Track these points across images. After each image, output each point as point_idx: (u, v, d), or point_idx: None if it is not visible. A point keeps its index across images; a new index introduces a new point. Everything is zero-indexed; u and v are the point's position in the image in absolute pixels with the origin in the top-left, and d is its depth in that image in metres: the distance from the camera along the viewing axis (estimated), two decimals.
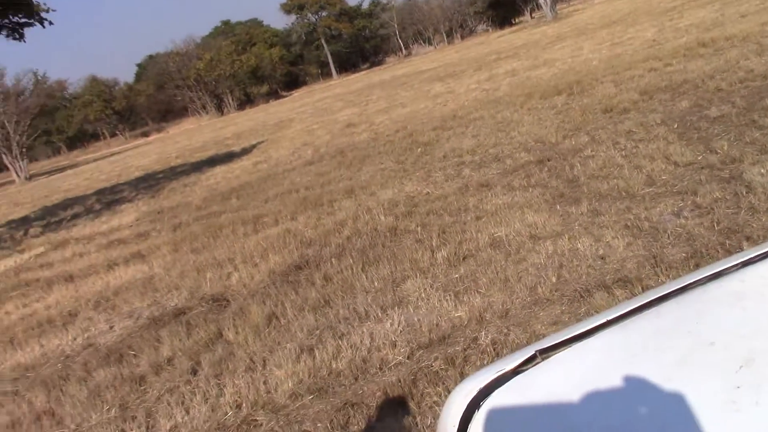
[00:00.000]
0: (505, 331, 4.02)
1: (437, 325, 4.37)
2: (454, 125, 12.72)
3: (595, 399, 0.98)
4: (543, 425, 0.99)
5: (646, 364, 1.01)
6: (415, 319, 4.55)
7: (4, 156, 55.40)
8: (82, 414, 4.50)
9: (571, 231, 5.34)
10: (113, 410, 4.44)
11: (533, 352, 1.12)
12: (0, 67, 75.64)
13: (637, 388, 0.97)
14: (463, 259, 5.44)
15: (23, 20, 14.51)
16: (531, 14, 78.54)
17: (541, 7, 59.58)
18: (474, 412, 1.05)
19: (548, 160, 7.84)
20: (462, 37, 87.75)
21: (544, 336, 3.79)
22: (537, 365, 1.10)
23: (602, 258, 4.64)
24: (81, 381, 5.11)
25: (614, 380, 0.99)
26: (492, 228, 5.94)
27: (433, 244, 5.95)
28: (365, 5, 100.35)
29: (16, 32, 14.65)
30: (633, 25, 22.95)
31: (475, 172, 8.40)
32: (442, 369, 3.80)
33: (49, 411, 4.73)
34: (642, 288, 4.00)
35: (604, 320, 1.16)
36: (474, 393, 1.08)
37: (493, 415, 1.03)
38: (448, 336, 4.18)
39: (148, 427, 4.11)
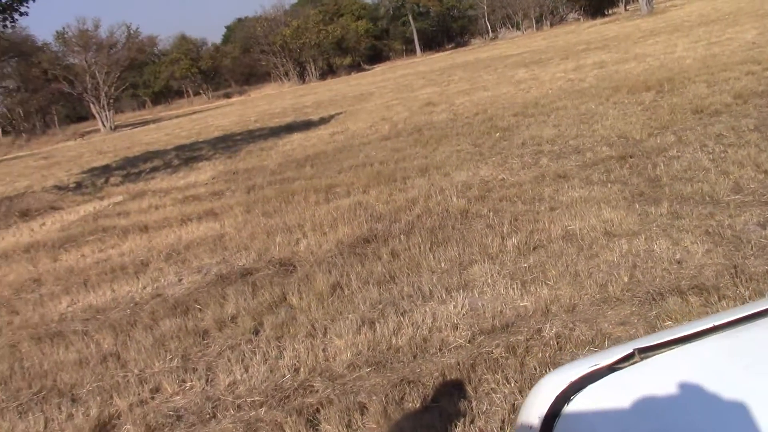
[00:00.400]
0: (571, 325, 3.94)
1: (501, 312, 4.32)
2: (536, 113, 12.50)
3: (696, 407, 0.92)
4: (637, 427, 0.94)
5: (759, 377, 0.95)
6: (479, 304, 4.51)
7: (92, 105, 57.35)
8: (146, 360, 4.63)
9: (648, 231, 5.19)
10: (176, 360, 4.55)
11: (631, 350, 1.06)
12: (95, 19, 78.03)
13: (745, 401, 0.90)
14: (534, 248, 5.36)
15: None
16: (625, 6, 76.40)
17: None
18: (563, 406, 1.01)
19: (630, 157, 7.63)
20: (551, 25, 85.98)
21: (612, 338, 3.71)
22: (635, 364, 1.05)
23: (679, 262, 4.50)
24: (147, 328, 5.26)
25: (719, 390, 0.93)
26: (566, 220, 5.82)
27: (504, 230, 5.87)
28: None
29: None
30: (732, 25, 22.07)
31: (553, 162, 8.24)
32: (502, 357, 3.76)
33: (114, 353, 4.88)
34: (719, 297, 3.86)
35: (711, 325, 1.10)
36: (564, 386, 1.03)
37: (585, 411, 0.99)
38: (512, 324, 4.13)
39: (207, 380, 4.20)
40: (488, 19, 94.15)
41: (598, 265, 4.75)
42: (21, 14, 14.62)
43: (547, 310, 4.20)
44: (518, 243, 5.49)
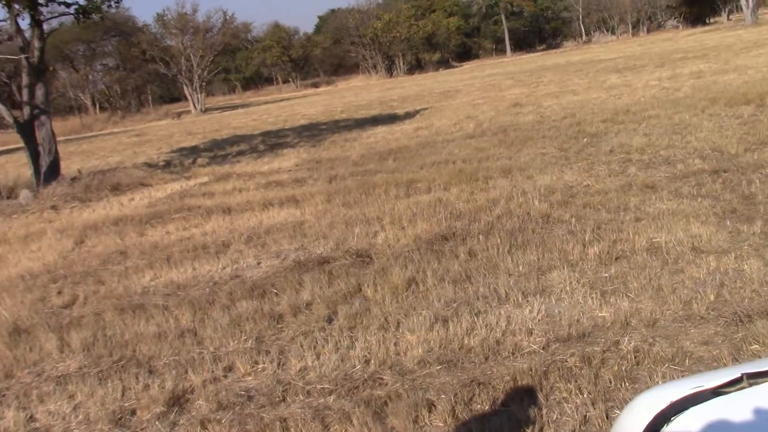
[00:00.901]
0: (650, 341, 3.83)
1: (578, 320, 4.24)
2: (626, 120, 12.19)
3: None
4: None
5: None
6: (556, 311, 4.43)
7: (185, 87, 59.02)
8: (221, 339, 4.74)
9: (739, 250, 4.99)
10: (250, 341, 4.64)
11: (739, 375, 1.01)
12: (194, 3, 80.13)
13: None
14: (616, 259, 5.23)
15: None
16: (728, 16, 73.69)
17: (741, 9, 55.74)
18: (662, 426, 0.96)
19: (724, 172, 7.35)
20: (648, 31, 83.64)
21: (694, 358, 3.58)
22: (742, 389, 0.98)
23: None
24: (224, 308, 5.38)
25: None
26: (651, 232, 5.66)
27: (586, 238, 5.75)
28: None
29: None
30: None
31: (641, 172, 8.02)
32: (576, 366, 3.68)
33: (192, 330, 5.01)
34: None
35: None
36: (663, 405, 0.98)
37: None
38: (588, 334, 4.04)
39: (279, 364, 4.26)
40: (582, 22, 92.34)
41: (682, 281, 4.60)
42: None
43: (626, 323, 4.10)
44: (600, 252, 5.37)
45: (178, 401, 3.97)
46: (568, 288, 4.77)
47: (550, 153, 10.20)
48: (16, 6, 13.47)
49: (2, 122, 29.22)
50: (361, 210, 8.17)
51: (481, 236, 6.27)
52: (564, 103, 16.90)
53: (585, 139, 10.82)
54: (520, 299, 4.70)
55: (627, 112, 13.11)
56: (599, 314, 4.28)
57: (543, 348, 3.96)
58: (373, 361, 4.09)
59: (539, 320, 4.33)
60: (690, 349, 3.71)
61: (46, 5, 14.68)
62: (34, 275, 7.30)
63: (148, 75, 65.21)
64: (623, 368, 3.61)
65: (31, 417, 4.04)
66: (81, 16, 15.09)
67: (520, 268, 5.35)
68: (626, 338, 3.89)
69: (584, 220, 6.38)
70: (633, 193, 7.07)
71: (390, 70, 75.59)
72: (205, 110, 55.45)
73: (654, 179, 7.55)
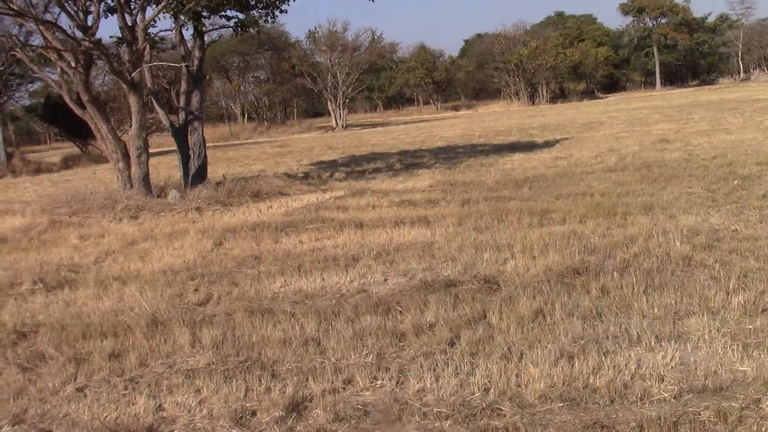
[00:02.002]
0: None
1: (715, 372, 3.98)
2: None
3: None
4: None
5: None
6: (692, 359, 4.18)
7: (329, 102, 60.78)
8: (343, 351, 4.79)
9: None
10: (371, 356, 4.67)
11: None
12: (345, 21, 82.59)
13: None
14: (763, 311, 4.88)
15: None
16: None
17: None
18: None
19: None
20: None
21: None
22: None
23: None
24: (349, 321, 5.44)
25: None
26: None
27: (731, 285, 5.41)
28: (711, 18, 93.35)
29: None
30: None
31: None
32: (710, 421, 3.45)
33: (316, 339, 5.10)
34: None
35: None
36: None
37: None
38: (726, 388, 3.78)
39: (398, 382, 4.26)
40: (741, 59, 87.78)
41: None
42: (281, 11, 15.79)
43: None
44: (745, 302, 5.03)
45: (297, 407, 4.04)
46: (706, 336, 4.50)
47: (696, 193, 9.71)
48: (182, 17, 14.35)
49: (159, 125, 31.20)
50: (492, 236, 8.07)
51: (615, 273, 6.04)
52: (715, 142, 16.09)
53: (736, 181, 10.23)
54: (653, 343, 4.47)
55: None
56: (740, 368, 4.00)
57: (674, 397, 3.75)
58: (492, 391, 4.01)
59: (672, 367, 4.10)
60: None
61: (209, 18, 15.57)
62: (175, 271, 7.68)
63: (296, 89, 67.68)
64: (763, 429, 3.35)
65: (159, 406, 4.22)
66: (240, 29, 15.89)
67: (656, 310, 5.10)
68: None
69: (729, 266, 6.01)
70: None
71: (532, 98, 74.78)
72: (347, 126, 56.82)
73: None
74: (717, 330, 4.59)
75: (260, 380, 4.40)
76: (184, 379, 4.54)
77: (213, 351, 5.03)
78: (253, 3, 15.35)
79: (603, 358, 4.28)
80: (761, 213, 8.02)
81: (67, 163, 34.76)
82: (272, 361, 4.75)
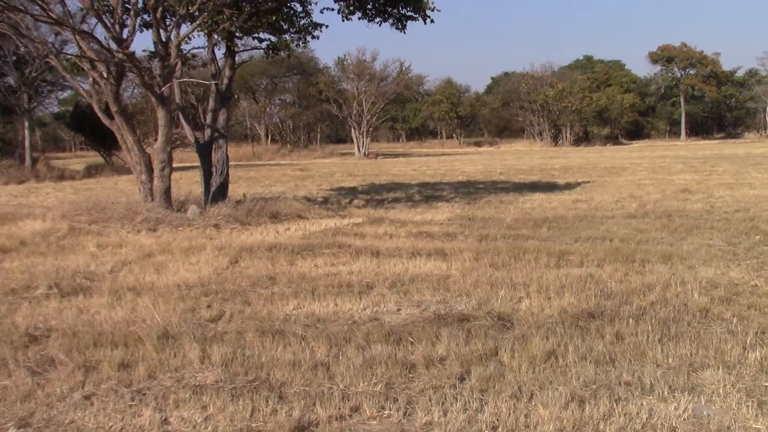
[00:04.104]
0: None
1: (728, 428, 3.92)
2: None
3: None
4: None
5: None
6: (705, 413, 4.12)
7: (353, 130, 61.17)
8: (352, 378, 4.76)
9: None
10: (379, 385, 4.63)
11: None
12: (374, 51, 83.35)
13: None
14: None
15: (409, 13, 15.71)
16: None
17: None
18: None
19: None
20: None
21: None
22: None
23: None
24: (359, 348, 5.41)
25: None
26: None
27: (748, 341, 5.34)
28: (740, 73, 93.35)
29: (399, 23, 15.92)
30: None
31: None
32: None
33: (325, 364, 5.07)
34: None
35: None
36: None
37: None
38: None
39: (405, 413, 4.22)
40: None
41: None
42: (313, 37, 15.98)
43: None
44: (762, 358, 4.95)
45: (302, 431, 4.01)
46: (721, 391, 4.43)
47: (717, 245, 9.63)
48: (216, 36, 14.55)
49: (184, 140, 31.52)
50: (509, 273, 8.03)
51: (631, 320, 5.98)
52: (738, 196, 15.99)
53: (758, 237, 10.13)
54: (665, 393, 4.41)
55: None
56: (754, 425, 3.93)
57: None
58: (500, 429, 3.96)
59: (684, 419, 4.04)
60: None
61: (241, 39, 15.77)
62: (189, 286, 7.69)
63: (320, 114, 68.26)
64: None
65: (165, 420, 4.21)
66: (271, 51, 16.07)
67: (670, 360, 5.03)
68: None
69: (747, 321, 5.93)
70: None
71: (555, 139, 74.86)
72: (368, 154, 57.07)
73: None
74: (732, 385, 4.52)
75: (267, 401, 4.37)
76: (192, 395, 4.52)
77: (222, 368, 5.02)
78: (285, 27, 15.54)
79: (614, 405, 4.22)
80: None
81: (90, 171, 35.15)
82: (280, 383, 4.72)
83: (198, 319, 6.41)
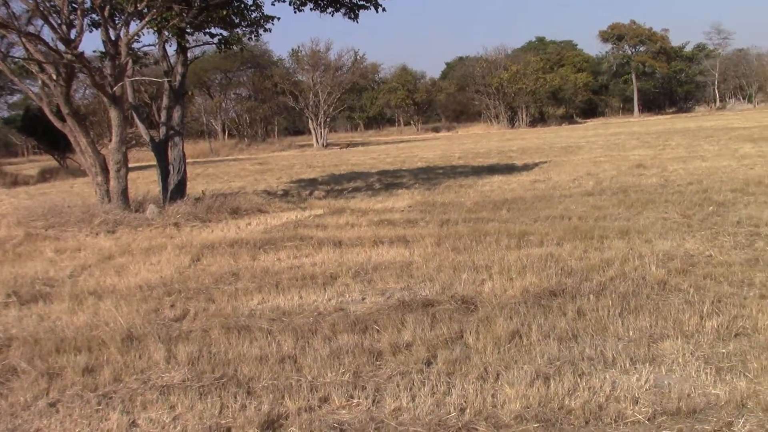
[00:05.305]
0: None
1: (689, 395, 4.02)
2: (757, 192, 11.62)
3: None
4: None
5: None
6: (666, 382, 4.23)
7: (310, 121, 60.90)
8: (320, 369, 4.77)
9: None
10: (347, 375, 4.66)
11: None
12: (328, 41, 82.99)
13: None
14: (736, 335, 4.95)
15: (361, 2, 15.70)
16: None
17: None
18: None
19: None
20: None
21: None
22: None
23: None
24: (326, 339, 5.43)
25: None
26: None
27: (705, 310, 5.47)
28: (689, 48, 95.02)
29: (352, 12, 15.89)
30: None
31: None
32: None
33: (292, 357, 5.08)
34: None
35: None
36: None
37: None
38: (699, 411, 3.83)
39: (374, 401, 4.25)
40: (718, 88, 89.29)
41: None
42: (265, 30, 15.86)
43: (742, 404, 3.85)
44: (718, 326, 5.09)
45: (272, 425, 4.02)
46: (680, 360, 4.55)
47: (672, 218, 9.83)
48: (166, 33, 14.35)
49: (139, 140, 31.08)
50: (471, 257, 8.10)
51: (591, 296, 6.09)
52: (691, 169, 16.31)
53: (711, 208, 10.37)
54: (627, 365, 4.51)
55: (759, 184, 12.51)
56: (713, 391, 4.05)
57: (648, 419, 3.78)
58: (468, 411, 4.01)
59: (646, 390, 4.14)
60: None
61: (193, 34, 15.59)
62: (151, 287, 7.63)
63: (277, 107, 67.75)
64: None
65: (133, 422, 4.18)
66: (223, 46, 15.91)
67: (631, 333, 5.15)
68: (741, 420, 3.66)
69: (704, 291, 6.09)
70: (759, 269, 6.70)
71: (512, 121, 75.37)
72: (327, 145, 56.92)
73: None
74: (691, 353, 4.64)
75: (236, 397, 4.37)
76: (159, 395, 4.50)
77: (188, 367, 5.00)
78: (237, 21, 15.40)
79: (578, 380, 4.31)
80: (735, 239, 8.14)
81: (45, 176, 34.47)
82: (248, 378, 4.72)
83: (162, 320, 6.36)
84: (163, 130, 15.01)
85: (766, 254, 7.26)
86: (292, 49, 64.66)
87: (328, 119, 61.59)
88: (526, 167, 21.01)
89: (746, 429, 3.56)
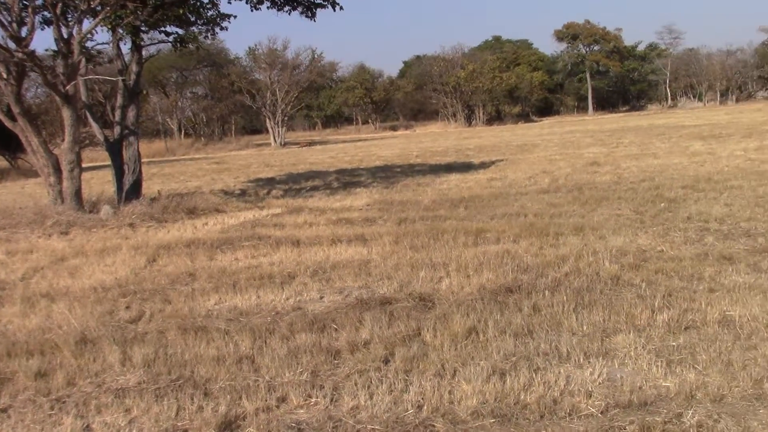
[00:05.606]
0: (716, 417, 3.68)
1: (640, 388, 4.11)
2: (707, 188, 11.90)
3: None
4: None
5: None
6: (618, 375, 4.31)
7: (268, 120, 60.50)
8: (277, 369, 4.76)
9: None
10: (305, 374, 4.66)
11: None
12: (285, 40, 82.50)
13: None
14: (685, 328, 5.07)
15: (318, 0, 15.67)
16: None
17: None
18: None
19: None
20: (737, 100, 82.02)
21: None
22: None
23: None
24: (284, 338, 5.42)
25: None
26: (725, 305, 5.47)
27: (656, 304, 5.60)
28: (641, 47, 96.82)
29: (309, 11, 15.84)
30: None
31: (719, 242, 7.79)
32: None
33: (250, 357, 5.06)
34: None
35: None
36: None
37: None
38: (650, 403, 3.91)
39: (332, 400, 4.26)
40: (669, 87, 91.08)
41: (755, 358, 4.42)
42: (221, 28, 15.73)
43: (692, 396, 3.95)
44: (669, 320, 5.21)
45: (229, 426, 4.00)
46: (632, 353, 4.64)
47: (625, 215, 10.01)
48: (120, 31, 14.13)
49: (93, 140, 30.53)
50: (428, 254, 8.15)
51: (547, 292, 6.18)
52: (643, 166, 16.63)
53: (662, 204, 10.59)
54: (581, 360, 4.59)
55: (709, 180, 12.82)
56: (663, 384, 4.14)
57: (601, 412, 3.85)
58: (426, 407, 4.05)
59: (600, 383, 4.22)
60: (758, 430, 3.55)
61: (147, 33, 15.38)
62: (106, 288, 7.52)
63: (234, 106, 67.13)
64: None
65: (87, 426, 4.12)
66: (179, 44, 15.73)
67: (585, 328, 5.24)
68: (690, 411, 3.75)
69: (655, 285, 6.22)
70: (709, 263, 6.87)
71: (469, 120, 75.85)
72: (284, 144, 56.62)
73: (732, 251, 7.33)
74: (642, 347, 4.74)
75: (192, 399, 4.34)
76: (114, 399, 4.45)
77: (144, 369, 4.94)
78: (193, 19, 15.24)
79: (534, 375, 4.37)
80: (685, 234, 8.33)
81: None
82: (205, 380, 4.69)
83: (117, 321, 6.28)
84: (117, 129, 14.79)
85: (715, 249, 7.45)
86: (249, 48, 64.27)
87: (285, 118, 61.28)
88: (483, 165, 21.19)
89: (695, 420, 3.65)
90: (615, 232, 8.77)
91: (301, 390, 4.39)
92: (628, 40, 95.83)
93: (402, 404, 4.11)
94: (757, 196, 10.62)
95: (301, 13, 16.02)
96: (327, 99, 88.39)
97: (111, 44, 14.98)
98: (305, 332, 5.53)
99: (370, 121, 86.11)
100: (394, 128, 78.12)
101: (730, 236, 8.10)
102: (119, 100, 14.92)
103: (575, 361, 4.59)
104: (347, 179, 20.17)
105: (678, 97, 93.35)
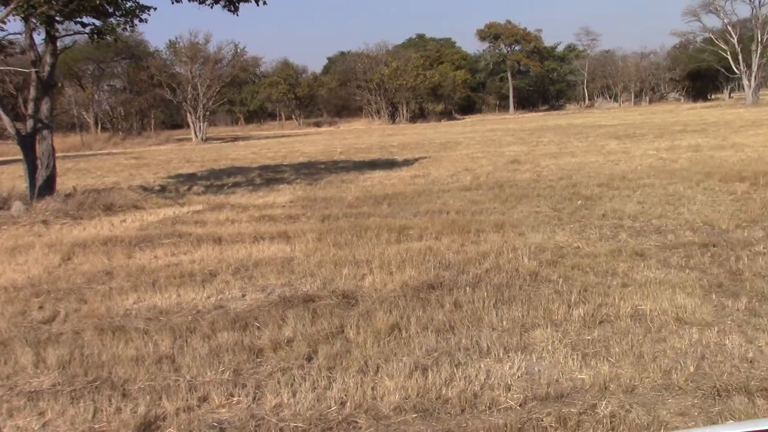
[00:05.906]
0: (627, 407, 3.82)
1: (557, 380, 4.23)
2: (621, 186, 12.31)
3: None
4: None
5: None
6: (536, 369, 4.43)
7: (189, 114, 59.36)
8: (199, 368, 4.70)
9: (722, 324, 5.02)
10: (227, 373, 4.61)
11: None
12: (207, 33, 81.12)
13: None
14: (600, 322, 5.24)
15: None
16: (730, 93, 75.03)
17: (743, 88, 56.76)
18: None
19: (713, 246, 7.41)
20: (650, 101, 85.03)
21: (669, 428, 3.57)
22: None
23: (750, 361, 4.33)
24: (205, 337, 5.35)
25: None
26: (637, 299, 5.68)
27: (572, 299, 5.77)
28: (560, 48, 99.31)
29: (232, 5, 15.61)
30: None
31: (632, 239, 8.08)
32: (552, 426, 3.67)
33: (170, 356, 4.98)
34: None
35: None
36: None
37: None
38: (566, 395, 4.04)
39: (254, 398, 4.24)
40: (587, 87, 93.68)
41: (664, 350, 4.61)
42: (141, 20, 15.33)
43: (605, 387, 4.10)
44: (584, 314, 5.38)
45: (149, 427, 3.93)
46: (549, 347, 4.78)
47: (544, 212, 10.26)
48: (33, 21, 13.62)
49: (3, 133, 29.36)
50: (351, 252, 8.17)
51: (468, 288, 6.28)
52: (561, 164, 17.07)
53: (579, 202, 10.90)
54: (501, 354, 4.69)
55: (623, 179, 13.25)
56: (579, 376, 4.28)
57: (520, 405, 3.95)
58: (349, 404, 4.07)
59: (518, 377, 4.33)
60: (666, 418, 3.70)
61: (63, 23, 14.86)
62: (18, 288, 7.26)
63: (153, 100, 65.56)
64: None
65: None
66: (96, 36, 15.25)
67: (504, 323, 5.36)
68: (604, 402, 3.88)
69: (572, 281, 6.40)
70: (622, 259, 7.11)
71: (393, 117, 76.23)
72: (206, 139, 55.69)
73: (644, 247, 7.60)
74: (559, 341, 4.88)
75: (110, 400, 4.24)
76: (27, 402, 4.30)
77: (59, 371, 4.80)
78: (111, 10, 14.81)
79: (455, 370, 4.44)
80: (601, 231, 8.60)
81: None
82: (123, 380, 4.59)
83: (30, 322, 6.07)
84: (30, 122, 14.25)
85: (628, 245, 7.71)
86: (170, 41, 62.66)
87: (207, 113, 60.27)
88: (407, 162, 21.34)
89: (608, 410, 3.78)
90: (534, 229, 8.98)
91: (223, 389, 4.35)
92: (547, 41, 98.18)
93: (325, 401, 4.12)
94: (668, 194, 11.05)
95: (224, 6, 15.78)
96: (250, 94, 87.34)
97: (24, 34, 14.41)
98: (227, 331, 5.47)
99: (293, 117, 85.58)
100: (318, 124, 77.84)
101: (642, 233, 8.40)
102: (32, 93, 14.38)
103: (495, 355, 4.68)
104: (270, 175, 20.00)
105: (595, 98, 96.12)
